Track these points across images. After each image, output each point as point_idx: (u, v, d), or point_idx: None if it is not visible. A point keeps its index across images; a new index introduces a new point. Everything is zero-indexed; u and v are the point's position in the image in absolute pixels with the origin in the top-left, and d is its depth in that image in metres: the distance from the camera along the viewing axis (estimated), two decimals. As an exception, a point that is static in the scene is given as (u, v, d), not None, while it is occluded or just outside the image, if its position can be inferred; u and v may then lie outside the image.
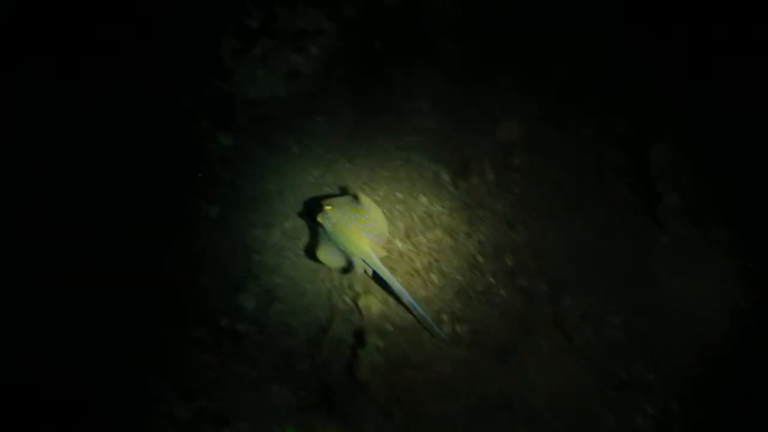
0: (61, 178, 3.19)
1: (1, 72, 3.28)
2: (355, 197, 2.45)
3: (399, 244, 2.76)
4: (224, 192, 3.15)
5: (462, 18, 3.39)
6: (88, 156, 3.22)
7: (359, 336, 2.65)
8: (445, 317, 2.62)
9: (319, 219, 2.43)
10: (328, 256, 2.45)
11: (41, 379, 2.75)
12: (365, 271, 2.40)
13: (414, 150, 3.20)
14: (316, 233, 2.64)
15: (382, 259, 2.40)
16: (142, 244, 3.04)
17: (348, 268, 2.47)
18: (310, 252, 2.79)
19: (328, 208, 2.41)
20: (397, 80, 3.32)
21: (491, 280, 2.81)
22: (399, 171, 3.11)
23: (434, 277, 2.72)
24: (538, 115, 3.22)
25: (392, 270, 2.56)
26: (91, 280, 2.95)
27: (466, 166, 3.09)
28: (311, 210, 2.76)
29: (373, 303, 2.61)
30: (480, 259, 2.86)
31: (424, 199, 2.98)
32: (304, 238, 2.97)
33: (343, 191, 2.76)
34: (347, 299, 2.73)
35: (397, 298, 2.47)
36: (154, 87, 3.38)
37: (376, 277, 2.51)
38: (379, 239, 2.39)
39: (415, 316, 2.49)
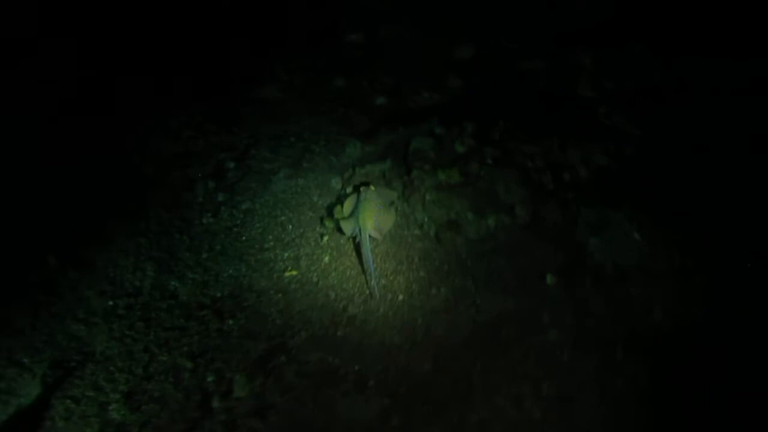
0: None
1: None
2: (393, 205, 2.89)
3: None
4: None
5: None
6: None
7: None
8: None
9: (361, 189, 2.88)
10: (346, 226, 2.79)
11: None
12: (354, 237, 2.78)
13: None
14: (351, 202, 2.98)
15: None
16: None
17: (352, 235, 2.80)
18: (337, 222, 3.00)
19: (372, 187, 2.87)
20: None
21: None
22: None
23: None
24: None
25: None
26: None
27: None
28: (362, 183, 3.08)
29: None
30: None
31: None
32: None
33: (393, 202, 2.96)
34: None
35: (361, 263, 2.75)
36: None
37: (356, 246, 2.82)
38: (380, 229, 2.74)
39: (366, 279, 2.69)
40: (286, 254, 3.06)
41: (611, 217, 2.69)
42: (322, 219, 3.11)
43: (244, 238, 3.30)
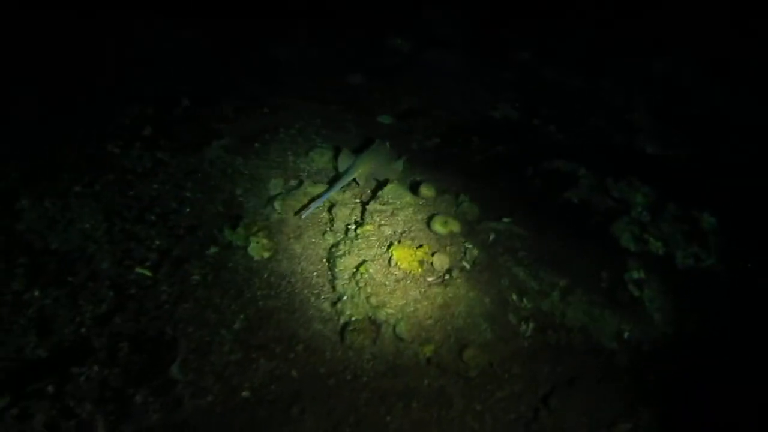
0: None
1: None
2: (396, 169, 2.80)
3: None
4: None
5: None
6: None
7: None
8: None
9: (377, 140, 2.92)
10: (343, 162, 2.74)
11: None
12: (338, 167, 2.74)
13: None
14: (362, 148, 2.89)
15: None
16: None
17: (339, 172, 2.72)
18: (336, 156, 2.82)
19: (388, 143, 2.91)
20: None
21: None
22: None
23: None
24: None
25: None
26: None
27: None
28: (382, 138, 2.98)
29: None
30: None
31: None
32: None
33: (397, 176, 2.77)
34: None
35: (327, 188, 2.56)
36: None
37: (335, 176, 2.73)
38: (366, 177, 2.68)
39: (313, 198, 2.49)
40: (157, 242, 2.22)
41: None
42: (222, 227, 2.26)
43: (131, 192, 2.46)
